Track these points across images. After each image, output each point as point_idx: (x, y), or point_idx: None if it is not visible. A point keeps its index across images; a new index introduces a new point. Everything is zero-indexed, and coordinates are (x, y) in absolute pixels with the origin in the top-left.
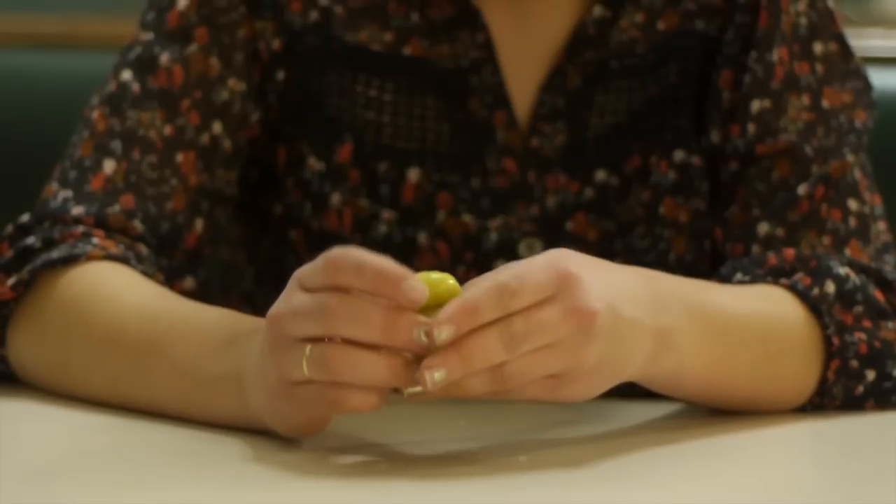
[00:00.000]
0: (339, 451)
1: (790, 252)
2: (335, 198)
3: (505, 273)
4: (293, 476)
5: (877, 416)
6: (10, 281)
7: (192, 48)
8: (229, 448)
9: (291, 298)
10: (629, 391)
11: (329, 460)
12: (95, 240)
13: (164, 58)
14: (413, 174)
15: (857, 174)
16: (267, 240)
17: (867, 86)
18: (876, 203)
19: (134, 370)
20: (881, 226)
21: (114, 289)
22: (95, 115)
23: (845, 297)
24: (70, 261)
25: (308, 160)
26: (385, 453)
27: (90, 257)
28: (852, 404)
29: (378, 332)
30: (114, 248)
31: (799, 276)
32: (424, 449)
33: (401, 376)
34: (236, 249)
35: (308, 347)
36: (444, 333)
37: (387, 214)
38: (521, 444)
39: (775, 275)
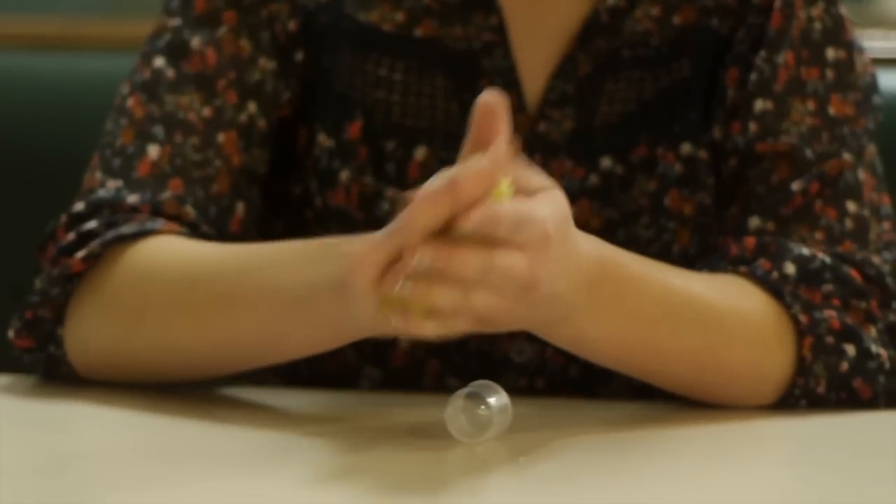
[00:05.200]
0: (334, 450)
1: (750, 240)
2: (344, 174)
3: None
4: (287, 471)
5: (877, 416)
6: (80, 254)
7: (223, 30)
8: (241, 448)
9: None
10: (629, 392)
11: (327, 461)
12: (161, 220)
13: (196, 42)
14: (420, 153)
15: (862, 175)
16: (280, 222)
17: (870, 91)
18: (883, 203)
19: (220, 301)
20: (885, 226)
21: (189, 247)
22: (130, 102)
23: (810, 276)
24: (141, 235)
25: (318, 136)
26: (384, 454)
27: (161, 232)
28: (840, 384)
29: None
30: (179, 228)
31: (760, 262)
32: (423, 450)
33: None
34: (250, 233)
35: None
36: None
37: (391, 192)
38: (521, 445)
39: (735, 263)
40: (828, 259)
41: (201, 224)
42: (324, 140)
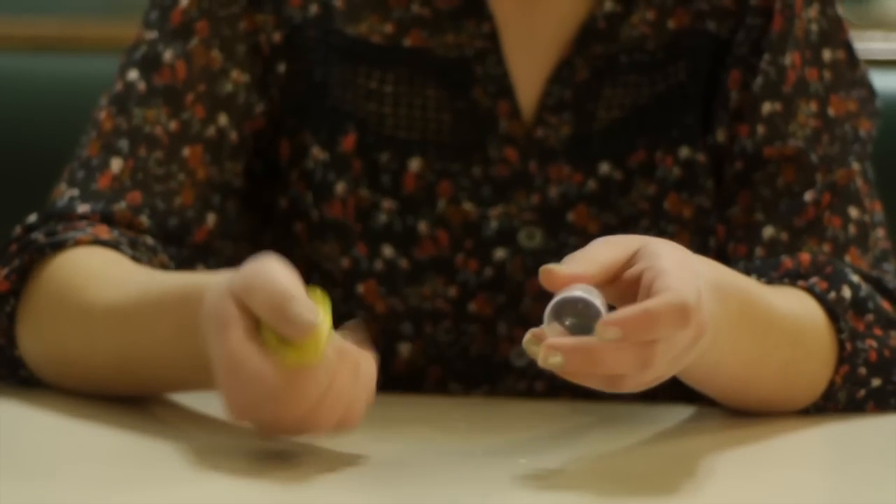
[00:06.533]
0: (336, 452)
1: (805, 257)
2: (339, 187)
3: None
4: (288, 477)
5: (878, 419)
6: (4, 271)
7: (194, 42)
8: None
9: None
10: (628, 393)
11: (326, 460)
12: (89, 229)
13: (168, 55)
14: (414, 164)
15: (860, 182)
16: (270, 234)
17: (872, 94)
18: (876, 210)
19: (91, 331)
20: (880, 233)
21: (89, 270)
22: (102, 115)
23: (859, 304)
24: (58, 246)
25: (311, 150)
26: (384, 455)
27: (78, 242)
28: (853, 407)
29: None
30: (105, 235)
31: (815, 279)
32: (424, 451)
33: None
34: (239, 245)
35: None
36: (610, 333)
37: (387, 204)
38: (521, 446)
39: (792, 278)
40: (867, 289)
41: (156, 232)
42: (318, 153)
